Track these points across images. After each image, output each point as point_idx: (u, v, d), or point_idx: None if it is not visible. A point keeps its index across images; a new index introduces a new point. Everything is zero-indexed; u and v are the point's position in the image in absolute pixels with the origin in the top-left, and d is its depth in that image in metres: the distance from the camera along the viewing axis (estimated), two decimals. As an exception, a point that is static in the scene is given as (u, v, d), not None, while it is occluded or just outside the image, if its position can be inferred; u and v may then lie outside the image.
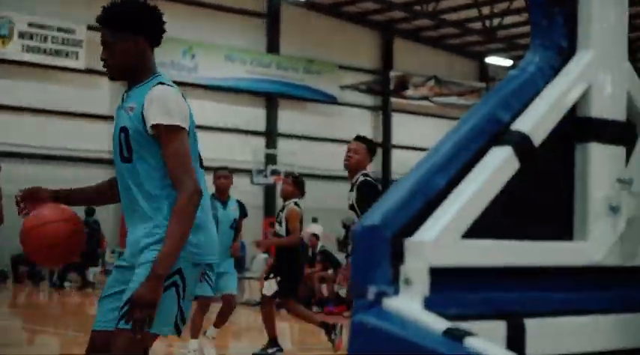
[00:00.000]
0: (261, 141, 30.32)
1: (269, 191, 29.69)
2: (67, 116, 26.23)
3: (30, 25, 25.63)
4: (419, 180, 2.23)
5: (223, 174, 9.91)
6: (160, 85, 3.65)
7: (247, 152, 29.19)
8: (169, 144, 3.57)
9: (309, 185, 10.73)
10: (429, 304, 2.09)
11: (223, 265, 9.45)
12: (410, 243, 2.12)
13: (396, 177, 31.71)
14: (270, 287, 9.88)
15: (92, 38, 25.81)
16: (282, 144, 30.55)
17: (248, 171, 28.27)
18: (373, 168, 32.28)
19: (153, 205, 3.66)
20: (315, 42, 31.33)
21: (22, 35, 25.50)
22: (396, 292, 2.08)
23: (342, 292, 15.25)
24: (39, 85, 25.93)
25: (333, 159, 30.99)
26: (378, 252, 2.10)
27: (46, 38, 25.90)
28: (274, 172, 28.71)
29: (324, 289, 15.66)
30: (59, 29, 26.11)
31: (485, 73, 36.47)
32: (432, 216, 2.19)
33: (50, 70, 26.02)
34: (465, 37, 34.37)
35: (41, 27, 25.84)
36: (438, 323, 2.02)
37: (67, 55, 26.06)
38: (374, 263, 2.10)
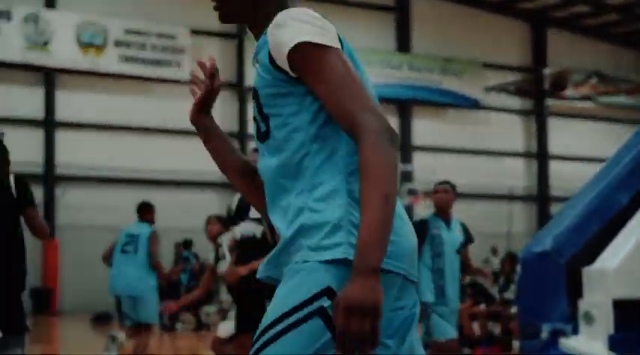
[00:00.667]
0: (393, 156, 30.28)
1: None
2: (171, 135, 26.64)
3: (126, 32, 26.32)
4: (596, 197, 2.22)
5: (443, 188, 9.22)
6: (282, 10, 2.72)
7: (377, 169, 29.19)
8: (317, 73, 2.58)
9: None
10: (615, 344, 2.07)
11: (453, 300, 9.02)
12: (589, 272, 2.12)
13: (556, 194, 31.23)
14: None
15: (197, 44, 26.33)
16: (419, 158, 30.46)
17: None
18: (527, 182, 31.92)
19: (314, 194, 2.63)
20: (453, 37, 31.24)
21: (117, 44, 26.20)
22: (575, 330, 2.07)
23: (497, 330, 15.14)
24: (138, 100, 26.57)
25: (479, 174, 30.79)
26: (552, 282, 2.10)
27: (144, 46, 26.54)
28: (411, 192, 28.58)
29: (476, 327, 15.55)
30: (159, 35, 26.71)
31: (659, 66, 35.70)
32: (613, 240, 2.17)
33: (150, 82, 26.64)
34: (632, 24, 33.70)
35: (138, 33, 26.48)
36: (626, 367, 2.00)
37: (169, 64, 26.64)
38: (547, 296, 2.09)
